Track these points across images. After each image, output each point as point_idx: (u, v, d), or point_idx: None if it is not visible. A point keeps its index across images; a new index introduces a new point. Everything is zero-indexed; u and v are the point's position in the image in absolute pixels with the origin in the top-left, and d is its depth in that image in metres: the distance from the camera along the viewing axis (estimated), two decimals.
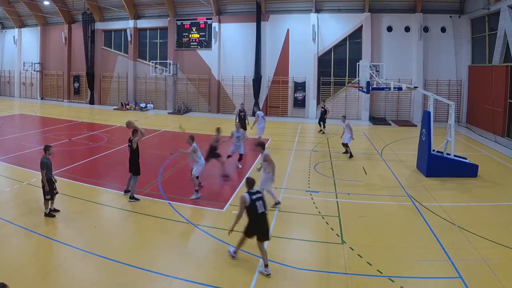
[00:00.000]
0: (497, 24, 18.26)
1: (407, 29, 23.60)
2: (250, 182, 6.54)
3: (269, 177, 8.84)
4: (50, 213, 8.23)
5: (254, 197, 6.33)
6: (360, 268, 6.42)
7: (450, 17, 22.90)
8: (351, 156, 14.33)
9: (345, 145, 14.50)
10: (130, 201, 9.29)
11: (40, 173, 8.14)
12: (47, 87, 33.70)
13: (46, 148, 8.39)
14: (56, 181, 8.47)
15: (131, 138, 9.50)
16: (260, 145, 9.11)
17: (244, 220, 6.42)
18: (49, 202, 8.24)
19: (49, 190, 8.12)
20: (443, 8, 23.10)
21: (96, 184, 10.66)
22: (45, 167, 8.08)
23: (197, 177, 9.92)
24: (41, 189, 8.22)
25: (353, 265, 6.50)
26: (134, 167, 9.46)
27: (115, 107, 29.56)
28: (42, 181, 8.14)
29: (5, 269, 6.10)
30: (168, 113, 27.21)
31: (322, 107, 20.39)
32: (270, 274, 6.13)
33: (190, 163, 9.95)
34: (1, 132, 18.28)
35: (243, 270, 6.37)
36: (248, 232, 6.43)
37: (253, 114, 17.32)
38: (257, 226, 6.32)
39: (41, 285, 5.76)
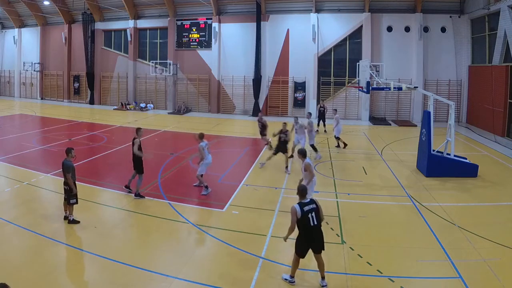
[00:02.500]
0: (497, 24, 18.25)
1: (407, 29, 23.59)
2: (302, 191, 5.91)
3: (310, 186, 8.02)
4: (74, 220, 7.95)
5: (306, 208, 5.73)
6: (360, 268, 6.41)
7: (450, 17, 22.90)
8: (345, 146, 15.53)
9: (337, 138, 15.70)
10: (135, 198, 9.37)
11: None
12: (47, 87, 33.69)
13: (68, 151, 8.04)
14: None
15: (135, 138, 9.61)
16: (301, 152, 8.57)
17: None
18: (73, 207, 7.98)
19: (76, 194, 7.91)
20: (443, 8, 23.09)
21: (96, 184, 10.66)
22: (71, 170, 7.87)
23: (202, 175, 10.06)
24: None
25: (353, 265, 6.50)
26: (137, 166, 9.54)
27: (115, 107, 29.55)
28: (66, 185, 7.89)
29: (5, 269, 6.10)
30: (168, 113, 27.21)
31: (321, 107, 20.55)
32: (326, 286, 5.80)
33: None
34: (1, 132, 18.28)
35: (243, 270, 6.37)
36: (299, 250, 5.82)
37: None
38: (309, 241, 5.77)
39: (41, 285, 5.76)
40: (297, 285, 5.93)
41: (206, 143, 10.09)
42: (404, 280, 6.04)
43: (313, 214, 5.76)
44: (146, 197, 9.55)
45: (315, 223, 5.76)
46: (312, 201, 5.90)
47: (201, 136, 10.02)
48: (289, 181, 11.34)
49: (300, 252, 5.85)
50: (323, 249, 5.89)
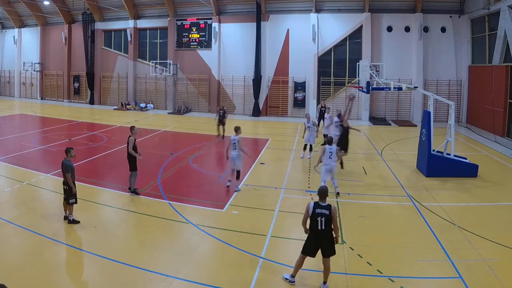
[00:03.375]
0: (497, 24, 18.25)
1: (407, 29, 23.59)
2: (320, 193, 5.86)
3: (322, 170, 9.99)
4: (74, 220, 7.94)
5: (318, 210, 5.68)
6: (360, 268, 6.42)
7: (450, 17, 22.90)
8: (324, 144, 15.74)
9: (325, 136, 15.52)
10: (130, 195, 9.51)
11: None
12: (47, 87, 33.68)
13: (67, 151, 8.03)
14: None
15: (130, 136, 9.72)
16: (327, 141, 10.33)
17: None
18: (73, 206, 7.96)
19: (75, 194, 7.90)
20: (443, 8, 23.10)
21: (96, 184, 10.65)
22: (70, 169, 7.85)
23: (238, 171, 10.43)
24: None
25: (353, 265, 6.50)
26: (130, 164, 9.63)
27: (115, 107, 29.54)
28: (65, 185, 7.89)
29: (5, 269, 6.10)
30: (168, 113, 27.20)
31: (322, 107, 20.55)
32: None
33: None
34: (1, 132, 18.28)
35: (243, 270, 6.37)
36: (305, 249, 5.86)
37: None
38: (315, 244, 5.76)
39: (41, 285, 5.76)
40: (297, 285, 5.93)
41: (234, 138, 10.33)
42: (404, 280, 6.04)
43: (323, 219, 5.67)
44: (145, 197, 9.56)
45: (323, 228, 5.69)
46: (328, 207, 5.74)
47: (235, 130, 10.64)
48: (289, 181, 11.35)
49: (305, 251, 5.87)
50: (333, 254, 5.81)
